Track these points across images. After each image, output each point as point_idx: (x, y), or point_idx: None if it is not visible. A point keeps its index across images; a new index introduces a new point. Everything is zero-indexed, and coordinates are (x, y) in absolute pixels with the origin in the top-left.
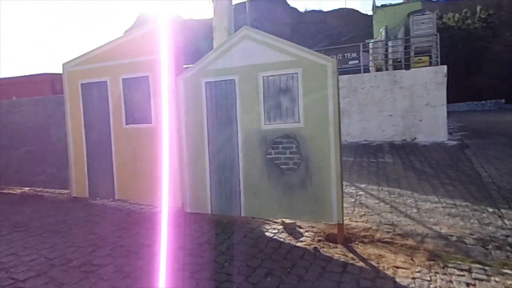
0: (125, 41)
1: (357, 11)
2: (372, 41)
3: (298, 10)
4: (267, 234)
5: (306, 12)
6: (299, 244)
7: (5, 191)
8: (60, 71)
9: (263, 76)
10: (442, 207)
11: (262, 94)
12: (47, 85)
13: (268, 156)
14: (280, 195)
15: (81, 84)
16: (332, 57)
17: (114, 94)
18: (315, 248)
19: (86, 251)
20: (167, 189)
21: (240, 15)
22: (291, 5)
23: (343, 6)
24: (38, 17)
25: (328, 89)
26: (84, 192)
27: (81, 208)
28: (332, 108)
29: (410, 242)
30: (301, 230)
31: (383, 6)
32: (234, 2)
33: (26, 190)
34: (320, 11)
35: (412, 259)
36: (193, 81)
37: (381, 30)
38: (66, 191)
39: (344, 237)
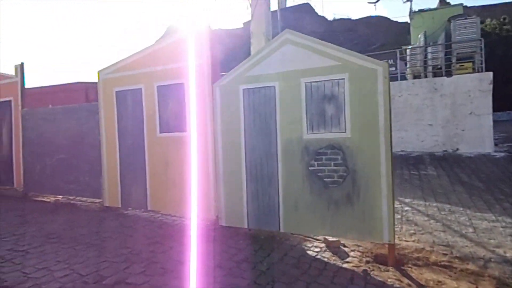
0: (160, 47)
1: (387, 19)
2: (410, 47)
3: (326, 19)
4: (309, 252)
5: (335, 20)
6: (345, 265)
7: (39, 198)
8: (94, 80)
9: (305, 82)
10: (502, 227)
11: (305, 101)
12: (81, 93)
13: (310, 168)
14: (323, 210)
15: (116, 92)
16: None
17: (148, 101)
18: (365, 271)
19: (120, 267)
20: (201, 201)
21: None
22: (319, 14)
23: (372, 14)
24: (73, 28)
25: (378, 95)
26: (116, 202)
27: (113, 219)
28: (382, 116)
29: (471, 267)
30: (345, 249)
31: (420, 11)
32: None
33: (59, 198)
34: (349, 19)
35: None
36: (230, 88)
37: (419, 35)
38: (98, 200)
39: (395, 258)
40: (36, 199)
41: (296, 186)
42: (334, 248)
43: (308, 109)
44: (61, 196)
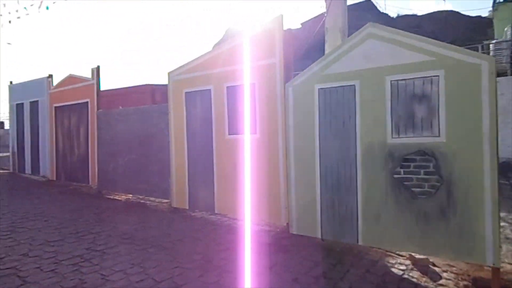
0: (231, 47)
1: (456, 13)
2: (493, 41)
3: (389, 16)
4: (394, 270)
5: (398, 17)
6: None
7: (112, 196)
8: (160, 82)
9: (391, 81)
10: None
11: (390, 101)
12: (148, 95)
13: (395, 175)
14: (410, 224)
15: (186, 93)
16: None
17: (217, 102)
18: None
19: (194, 275)
20: (271, 207)
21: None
22: (381, 11)
23: (439, 9)
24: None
25: (482, 95)
26: (184, 203)
27: (182, 221)
28: (488, 118)
29: None
30: (436, 268)
31: (506, 1)
32: (319, 12)
33: (130, 197)
34: (414, 15)
35: None
36: (305, 87)
37: (506, 29)
38: (166, 201)
39: (499, 284)
40: (109, 197)
41: (378, 196)
42: (422, 267)
43: (394, 110)
44: (131, 195)
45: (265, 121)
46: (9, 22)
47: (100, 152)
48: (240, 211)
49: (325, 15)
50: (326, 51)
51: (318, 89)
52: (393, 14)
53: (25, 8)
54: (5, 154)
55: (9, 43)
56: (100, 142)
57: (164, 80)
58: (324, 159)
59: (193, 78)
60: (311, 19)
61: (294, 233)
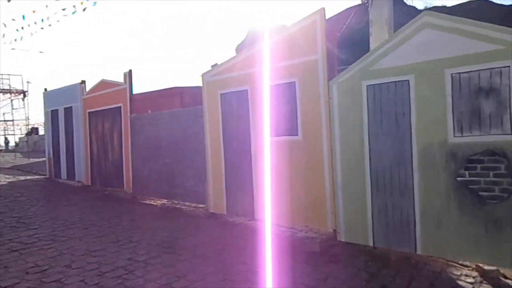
0: (268, 45)
1: (490, 2)
2: None
3: (416, 9)
4: (460, 283)
5: (426, 9)
6: None
7: (147, 201)
8: (188, 85)
9: (452, 74)
10: None
11: (451, 96)
12: (176, 98)
13: (459, 178)
14: (478, 231)
15: (221, 94)
16: None
17: (255, 103)
18: None
19: None
20: (316, 212)
21: (352, 19)
22: (408, 4)
23: None
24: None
25: None
26: (221, 209)
27: (221, 227)
28: None
29: None
30: (508, 281)
31: None
32: (343, 7)
33: (165, 202)
34: (444, 7)
35: None
36: (351, 84)
37: None
38: (202, 206)
39: None
40: (144, 201)
41: (438, 200)
42: (493, 279)
43: (456, 106)
44: (166, 200)
45: (308, 121)
46: (42, 28)
47: (134, 157)
48: (282, 217)
49: (369, 7)
50: (372, 45)
51: (367, 85)
52: (420, 6)
53: (63, 9)
54: (39, 159)
55: (41, 52)
56: (133, 146)
57: (190, 83)
58: (375, 160)
59: (229, 78)
60: (333, 16)
61: (342, 240)
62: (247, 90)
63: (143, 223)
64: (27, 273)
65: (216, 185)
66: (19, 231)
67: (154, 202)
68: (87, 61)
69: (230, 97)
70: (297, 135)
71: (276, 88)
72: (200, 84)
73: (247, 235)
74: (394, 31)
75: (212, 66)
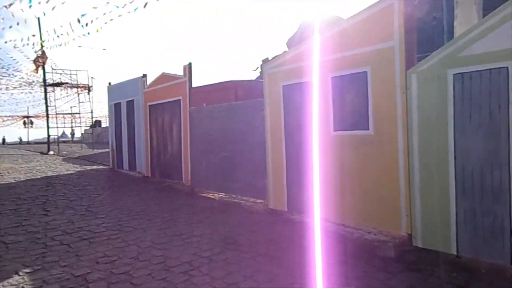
0: (336, 32)
1: None
2: None
3: None
4: None
5: None
6: None
7: (205, 194)
8: (242, 78)
9: None
10: None
11: None
12: (231, 92)
13: None
14: None
15: (283, 86)
16: None
17: (320, 95)
18: None
19: None
20: (387, 214)
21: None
22: None
23: None
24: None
25: None
26: (282, 205)
27: (283, 225)
28: None
29: None
30: None
31: None
32: None
33: (223, 196)
34: None
35: None
36: (433, 73)
37: None
38: (260, 201)
39: None
40: (202, 195)
41: None
42: None
43: None
44: (224, 194)
45: (380, 114)
46: (105, 23)
47: (193, 150)
48: (347, 217)
49: None
50: (456, 28)
51: (453, 74)
52: None
53: (117, 7)
54: (103, 150)
55: (104, 49)
56: (192, 139)
57: (244, 77)
58: (461, 158)
59: (292, 70)
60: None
61: (418, 246)
62: (311, 81)
63: (203, 217)
64: (97, 262)
65: (277, 181)
66: (88, 219)
67: (212, 195)
68: (147, 55)
69: (292, 89)
70: (367, 130)
71: (344, 79)
72: (253, 78)
73: (309, 234)
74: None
75: (263, 61)
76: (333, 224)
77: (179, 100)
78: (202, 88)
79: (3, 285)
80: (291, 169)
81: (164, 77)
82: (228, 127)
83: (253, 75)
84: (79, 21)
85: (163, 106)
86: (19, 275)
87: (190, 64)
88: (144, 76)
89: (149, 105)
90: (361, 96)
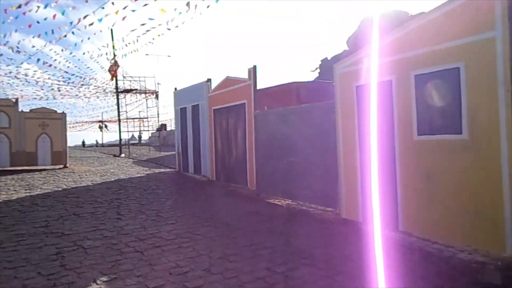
0: (420, 25)
1: None
2: None
3: None
4: None
5: None
6: None
7: (271, 200)
8: (304, 80)
9: None
10: None
11: None
12: (293, 94)
13: None
14: None
15: (357, 87)
16: None
17: (401, 96)
18: None
19: None
20: (484, 230)
21: None
22: None
23: None
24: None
25: None
26: (355, 215)
27: (358, 237)
28: None
29: None
30: None
31: None
32: None
33: (289, 203)
34: None
35: None
36: None
37: None
38: (330, 209)
39: None
40: (268, 201)
41: None
42: None
43: None
44: (290, 200)
45: (478, 116)
46: (168, 29)
47: (258, 154)
48: (433, 231)
49: None
50: None
51: None
52: None
53: (180, 13)
54: (168, 153)
55: (168, 56)
56: (257, 143)
57: (305, 78)
58: None
59: (367, 68)
60: None
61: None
62: (391, 80)
63: (272, 226)
64: (170, 273)
65: (350, 188)
66: (159, 225)
67: (278, 202)
68: (210, 59)
69: (368, 89)
70: (460, 134)
71: (430, 76)
72: (314, 79)
73: (392, 250)
74: None
75: (322, 60)
76: (417, 239)
77: (244, 103)
78: (263, 90)
79: None
80: (366, 177)
81: (228, 81)
82: (295, 130)
83: (312, 76)
84: (144, 25)
85: (228, 110)
86: (97, 284)
87: (255, 66)
88: (209, 80)
89: (214, 109)
90: (452, 95)
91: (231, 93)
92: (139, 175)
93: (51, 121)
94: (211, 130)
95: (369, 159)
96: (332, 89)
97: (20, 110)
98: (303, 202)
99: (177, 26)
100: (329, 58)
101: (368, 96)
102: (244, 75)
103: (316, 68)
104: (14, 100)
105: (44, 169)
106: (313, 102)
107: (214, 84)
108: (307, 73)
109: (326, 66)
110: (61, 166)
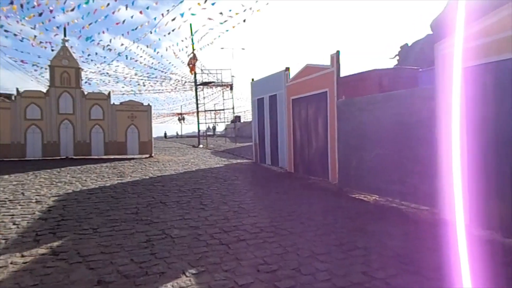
0: None
1: None
2: None
3: None
4: None
5: None
6: None
7: (355, 195)
8: (387, 66)
9: None
10: None
11: None
12: (374, 82)
13: None
14: None
15: (465, 69)
16: None
17: None
18: None
19: None
20: None
21: None
22: None
23: None
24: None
25: None
26: (459, 216)
27: (468, 243)
28: None
29: None
30: None
31: None
32: None
33: (376, 198)
34: None
35: None
36: None
37: None
38: (425, 208)
39: None
40: (352, 195)
41: None
42: None
43: None
44: (377, 196)
45: None
46: (244, 21)
47: (341, 145)
48: None
49: None
50: None
51: None
52: None
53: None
54: (244, 144)
55: (243, 49)
56: (340, 134)
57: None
58: None
59: (480, 46)
60: None
61: None
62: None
63: (362, 224)
64: (258, 270)
65: (452, 186)
66: (242, 217)
67: (364, 197)
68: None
69: (480, 72)
70: None
71: None
72: (394, 66)
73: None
74: None
75: (401, 47)
76: None
77: (325, 92)
78: (342, 79)
79: (172, 286)
80: (474, 173)
81: (308, 69)
82: (386, 120)
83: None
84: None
85: (307, 99)
86: (186, 276)
87: (338, 52)
88: (287, 69)
89: (292, 99)
90: None
91: (311, 82)
92: (218, 165)
93: (138, 113)
94: (289, 120)
95: (481, 153)
96: (420, 75)
97: (112, 103)
98: (392, 198)
99: (244, 21)
100: (409, 44)
101: (479, 78)
102: (323, 63)
103: (396, 55)
104: (107, 93)
105: (133, 158)
106: (397, 90)
107: (292, 74)
108: (386, 61)
109: (407, 53)
110: (147, 155)
